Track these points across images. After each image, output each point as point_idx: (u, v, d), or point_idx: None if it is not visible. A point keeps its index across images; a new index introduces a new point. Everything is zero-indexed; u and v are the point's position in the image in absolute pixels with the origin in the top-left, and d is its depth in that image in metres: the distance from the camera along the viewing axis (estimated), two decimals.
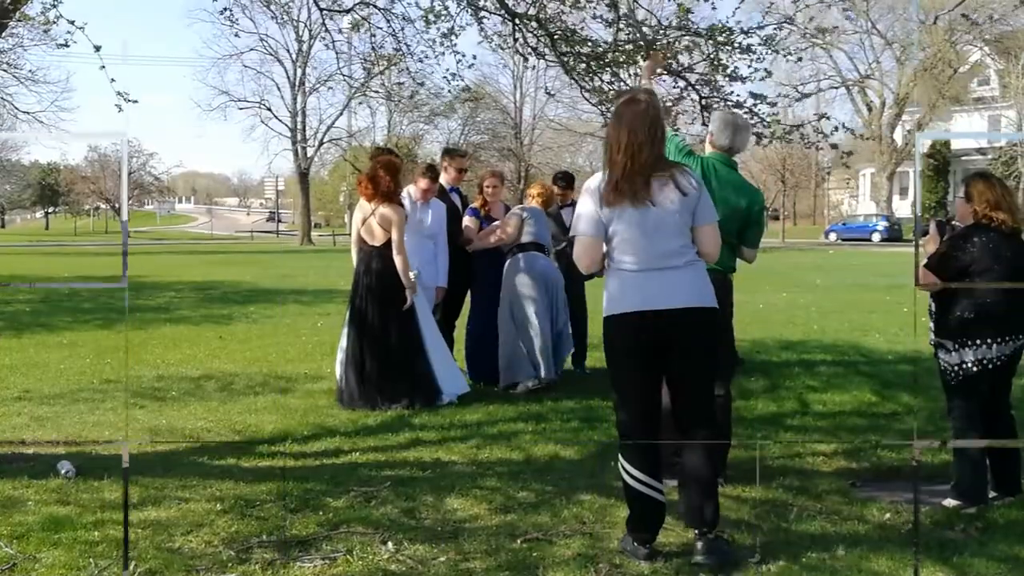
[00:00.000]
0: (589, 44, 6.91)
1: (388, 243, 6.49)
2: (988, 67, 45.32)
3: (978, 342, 4.31)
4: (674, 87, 7.00)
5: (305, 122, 47.40)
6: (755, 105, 6.54)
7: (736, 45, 6.37)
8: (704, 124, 6.63)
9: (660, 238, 3.60)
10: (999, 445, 4.46)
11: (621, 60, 6.75)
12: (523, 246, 7.15)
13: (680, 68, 6.64)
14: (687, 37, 6.53)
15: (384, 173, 6.52)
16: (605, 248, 3.71)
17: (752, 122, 6.40)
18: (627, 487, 3.71)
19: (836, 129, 6.83)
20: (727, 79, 6.57)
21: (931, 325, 4.55)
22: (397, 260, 6.46)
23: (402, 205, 6.60)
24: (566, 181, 8.24)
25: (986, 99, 46.20)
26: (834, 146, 7.09)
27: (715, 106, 6.63)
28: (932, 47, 43.11)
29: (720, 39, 6.38)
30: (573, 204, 7.98)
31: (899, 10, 45.38)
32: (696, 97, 6.78)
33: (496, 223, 7.37)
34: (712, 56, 6.49)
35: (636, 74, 7.09)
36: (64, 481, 4.59)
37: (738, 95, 6.72)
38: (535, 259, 7.12)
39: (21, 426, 5.91)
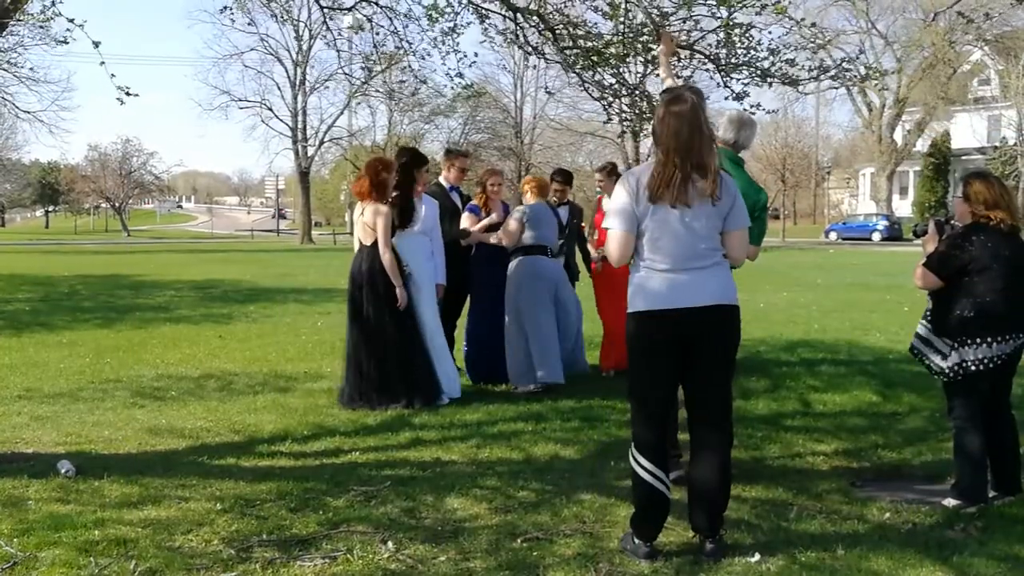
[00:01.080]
0: (591, 37, 6.86)
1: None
2: (988, 67, 45.28)
3: (978, 341, 4.31)
4: (687, 64, 6.89)
5: (306, 121, 47.44)
6: (776, 61, 6.38)
7: (752, 5, 6.21)
8: (726, 86, 6.58)
9: (692, 240, 3.63)
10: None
11: (623, 53, 6.70)
12: (526, 248, 7.09)
13: (693, 41, 6.54)
14: (695, 16, 6.40)
15: (371, 172, 6.50)
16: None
17: (781, 71, 6.29)
18: (636, 479, 3.72)
19: (868, 74, 6.70)
20: (742, 36, 6.39)
21: (923, 323, 4.53)
22: (384, 257, 6.42)
23: (387, 203, 6.53)
24: (563, 178, 8.07)
25: (986, 99, 46.18)
26: (865, 76, 6.92)
27: (729, 68, 6.49)
28: (932, 47, 43.07)
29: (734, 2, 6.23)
30: (568, 204, 7.92)
31: (899, 9, 45.41)
32: (713, 66, 6.65)
33: (489, 218, 7.31)
34: (725, 21, 6.32)
35: (643, 62, 7.02)
36: (64, 480, 4.59)
37: (759, 50, 6.49)
38: (536, 262, 7.07)
39: (21, 425, 5.91)
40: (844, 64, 6.76)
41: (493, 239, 7.19)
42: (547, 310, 7.01)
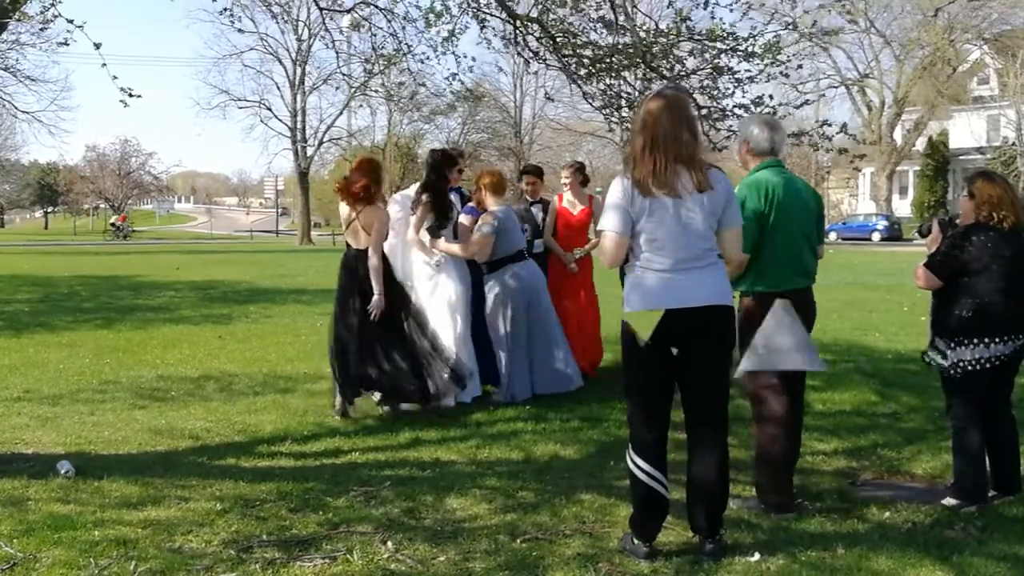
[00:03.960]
0: (591, 47, 6.88)
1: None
2: (987, 66, 45.28)
3: (975, 341, 4.31)
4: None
5: (305, 121, 47.42)
6: (755, 107, 6.47)
7: (739, 51, 6.32)
8: (705, 134, 6.56)
9: (689, 240, 3.61)
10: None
11: (624, 63, 6.72)
12: (491, 264, 6.78)
13: (678, 75, 6.57)
14: (687, 42, 6.50)
15: (360, 175, 6.31)
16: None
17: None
18: (633, 480, 3.72)
19: (840, 132, 6.76)
20: (732, 82, 6.49)
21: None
22: (371, 260, 6.20)
23: (375, 204, 6.35)
24: (535, 173, 7.77)
25: (985, 98, 46.20)
26: (843, 151, 7.04)
27: (715, 115, 6.56)
28: (930, 45, 43.09)
29: (722, 46, 6.34)
30: (541, 202, 7.73)
31: (896, 8, 45.38)
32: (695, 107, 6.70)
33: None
34: (713, 60, 6.44)
35: (638, 77, 7.06)
36: (64, 481, 4.59)
37: (738, 103, 6.63)
38: (501, 277, 6.76)
39: (21, 426, 5.91)
40: (821, 127, 6.81)
41: (459, 252, 6.75)
42: (508, 326, 6.71)
